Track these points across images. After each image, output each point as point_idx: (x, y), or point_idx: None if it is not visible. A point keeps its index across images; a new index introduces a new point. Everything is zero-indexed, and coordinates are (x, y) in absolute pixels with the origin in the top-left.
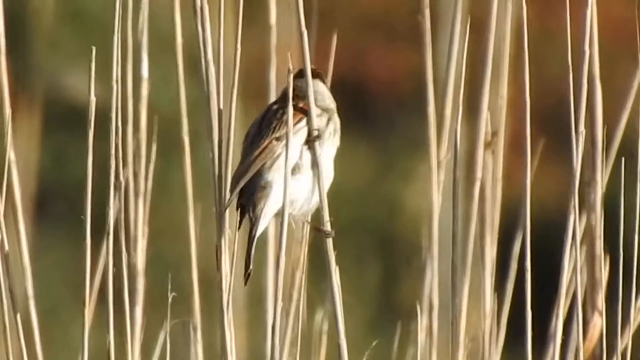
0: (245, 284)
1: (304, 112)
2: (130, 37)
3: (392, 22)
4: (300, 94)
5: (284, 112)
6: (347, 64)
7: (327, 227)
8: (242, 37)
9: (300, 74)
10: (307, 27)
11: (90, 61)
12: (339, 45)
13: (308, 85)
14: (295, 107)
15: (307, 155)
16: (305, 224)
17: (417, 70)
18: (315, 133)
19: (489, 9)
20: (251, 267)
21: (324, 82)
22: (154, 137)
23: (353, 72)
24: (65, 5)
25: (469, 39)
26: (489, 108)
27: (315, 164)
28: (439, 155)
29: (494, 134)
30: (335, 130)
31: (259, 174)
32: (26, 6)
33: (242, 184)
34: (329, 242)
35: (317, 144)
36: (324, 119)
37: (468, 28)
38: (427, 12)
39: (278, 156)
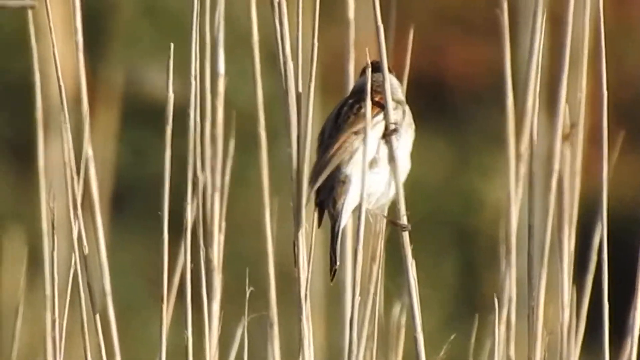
0: (332, 280)
1: (381, 105)
2: (208, 33)
3: (469, 16)
4: (376, 88)
5: (361, 107)
6: (425, 59)
7: (404, 220)
8: (320, 33)
9: (372, 68)
10: (384, 21)
11: (169, 57)
12: (416, 40)
13: (385, 78)
14: (371, 100)
15: (384, 149)
16: (382, 217)
17: (495, 65)
18: (393, 127)
19: (566, 2)
20: (338, 262)
21: (394, 75)
22: (232, 132)
23: (431, 67)
24: (142, 0)
25: (547, 32)
26: (567, 101)
27: (392, 158)
28: (518, 148)
29: (573, 126)
30: (410, 123)
31: (337, 169)
32: (104, 2)
33: (323, 177)
34: (406, 235)
35: (394, 137)
36: (400, 112)
37: (545, 21)
38: (505, 5)
39: (356, 150)
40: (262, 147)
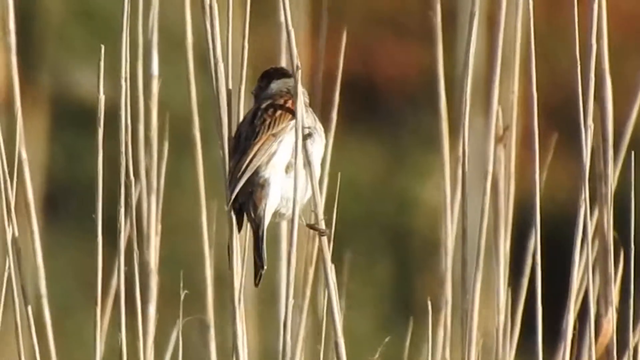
0: (258, 284)
1: (292, 111)
2: (141, 35)
3: (402, 19)
4: (285, 94)
5: (276, 109)
6: (357, 61)
7: (322, 225)
8: (252, 35)
9: (267, 75)
10: (316, 24)
11: (99, 59)
12: (349, 42)
13: (296, 83)
14: (283, 105)
15: (299, 153)
16: (301, 222)
17: (426, 67)
18: (307, 131)
19: (498, 5)
20: (265, 266)
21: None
22: (166, 134)
23: (363, 69)
24: (74, 3)
25: (481, 35)
26: (500, 103)
27: (307, 162)
28: (452, 150)
29: (506, 128)
30: (321, 128)
31: (255, 172)
32: (36, 4)
33: (242, 181)
34: (324, 240)
35: (308, 142)
36: (312, 117)
37: (479, 24)
38: (438, 7)
39: (274, 153)
40: (197, 148)
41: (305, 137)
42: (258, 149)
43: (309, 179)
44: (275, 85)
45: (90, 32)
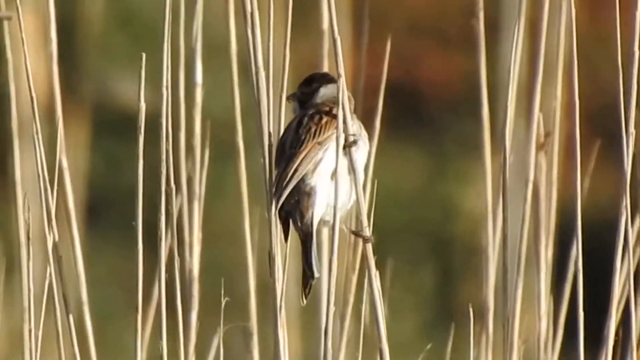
0: (307, 294)
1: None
2: (183, 43)
3: (444, 26)
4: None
5: (322, 117)
6: (399, 68)
7: (366, 232)
8: (294, 43)
9: (315, 80)
10: (359, 31)
11: (141, 67)
12: (391, 49)
13: (341, 91)
14: (329, 112)
15: (343, 160)
16: (345, 229)
17: (468, 74)
18: (352, 138)
19: (541, 12)
20: (317, 274)
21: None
22: (207, 142)
23: (405, 76)
24: (116, 11)
25: (524, 42)
26: (542, 110)
27: (352, 169)
28: (494, 158)
29: (547, 135)
30: (366, 135)
31: (302, 180)
32: (76, 12)
33: (288, 190)
34: (369, 247)
35: (353, 149)
36: (357, 124)
37: (522, 31)
38: (481, 14)
39: (320, 161)
40: (240, 156)
41: (351, 145)
42: (304, 157)
43: (353, 186)
44: (325, 90)
45: (130, 41)
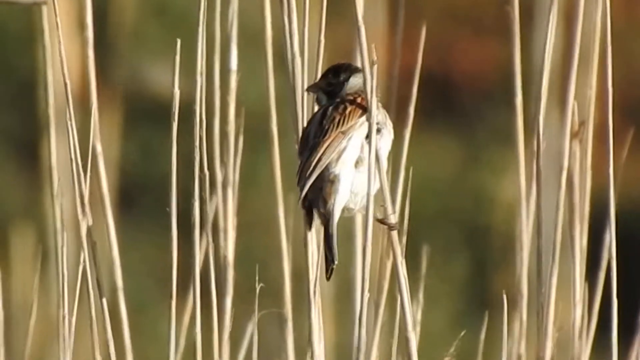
0: (329, 278)
1: (363, 107)
2: (218, 30)
3: (478, 15)
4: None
5: (346, 107)
6: (433, 56)
7: (392, 220)
8: (329, 29)
9: (345, 69)
10: (393, 19)
11: (175, 54)
12: (426, 38)
13: (367, 80)
14: (353, 101)
15: (367, 149)
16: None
17: (504, 63)
18: (376, 127)
19: (577, 1)
20: (336, 261)
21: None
22: (241, 129)
23: (439, 64)
24: None
25: (558, 31)
26: (576, 99)
27: (376, 157)
28: (528, 146)
29: (582, 123)
30: (390, 124)
31: (326, 168)
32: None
33: (312, 179)
34: (394, 234)
35: (377, 137)
36: (382, 113)
37: (557, 20)
38: (515, 2)
39: (344, 150)
40: (274, 143)
41: (376, 133)
42: (327, 147)
43: (377, 173)
44: (354, 80)
45: (164, 28)
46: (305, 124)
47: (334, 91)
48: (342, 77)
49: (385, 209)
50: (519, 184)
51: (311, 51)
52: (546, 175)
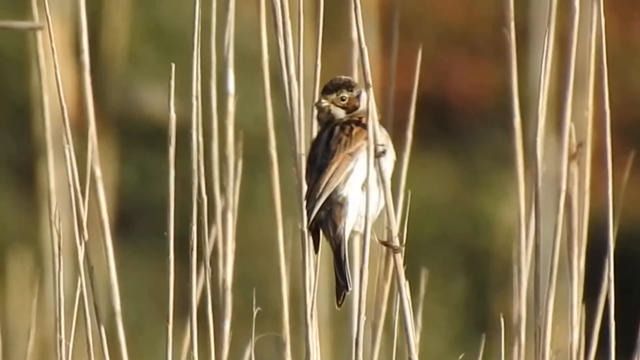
0: (341, 305)
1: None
2: (214, 53)
3: (474, 38)
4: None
5: (352, 128)
6: (429, 79)
7: (396, 242)
8: (324, 52)
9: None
10: (386, 41)
11: (170, 77)
12: (421, 60)
13: (369, 100)
14: (359, 122)
15: (372, 171)
16: (375, 239)
17: (500, 86)
18: (381, 149)
19: (571, 23)
20: (350, 287)
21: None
22: (240, 153)
23: (435, 87)
24: (143, 21)
25: (554, 53)
26: (573, 120)
27: (381, 179)
28: (526, 168)
29: (579, 145)
30: (391, 145)
31: (334, 191)
32: (104, 23)
33: (322, 201)
34: (398, 257)
35: (382, 159)
36: (385, 135)
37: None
38: (512, 24)
39: (351, 172)
40: (274, 166)
41: (379, 155)
42: (336, 169)
43: (381, 195)
44: (364, 95)
45: (159, 51)
46: (304, 146)
47: (353, 105)
48: (355, 92)
49: (389, 231)
50: (518, 206)
51: (307, 74)
52: (544, 197)
